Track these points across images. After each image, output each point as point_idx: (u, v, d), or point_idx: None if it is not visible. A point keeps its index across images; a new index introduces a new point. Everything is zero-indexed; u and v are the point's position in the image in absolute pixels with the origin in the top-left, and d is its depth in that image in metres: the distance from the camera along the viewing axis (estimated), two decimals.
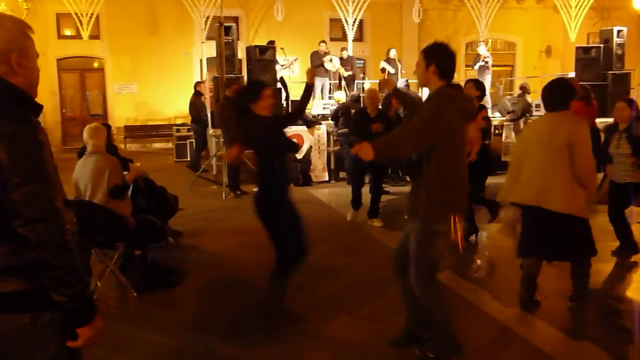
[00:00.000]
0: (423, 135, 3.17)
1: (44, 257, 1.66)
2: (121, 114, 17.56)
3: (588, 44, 16.34)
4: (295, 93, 13.66)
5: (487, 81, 13.16)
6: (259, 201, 4.15)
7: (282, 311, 4.22)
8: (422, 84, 3.44)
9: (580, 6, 14.53)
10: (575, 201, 4.01)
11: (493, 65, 14.30)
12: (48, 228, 1.65)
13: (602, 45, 12.16)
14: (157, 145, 17.51)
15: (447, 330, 3.39)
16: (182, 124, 15.19)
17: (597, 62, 12.27)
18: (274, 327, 4.16)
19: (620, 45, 11.69)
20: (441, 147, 3.18)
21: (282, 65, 12.42)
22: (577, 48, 13.03)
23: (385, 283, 5.01)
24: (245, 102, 4.14)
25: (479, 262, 5.87)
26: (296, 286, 4.97)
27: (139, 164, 5.42)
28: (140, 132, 17.59)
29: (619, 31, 11.71)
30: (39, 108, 1.83)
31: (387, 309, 4.43)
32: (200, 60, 16.30)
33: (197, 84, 12.89)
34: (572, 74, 13.07)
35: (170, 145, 15.42)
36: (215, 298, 4.82)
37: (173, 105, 17.44)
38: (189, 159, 13.06)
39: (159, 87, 17.50)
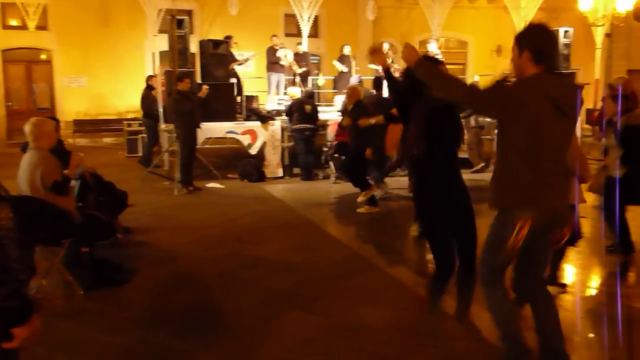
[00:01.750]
0: (478, 95, 3.00)
1: None
2: (70, 107, 17.05)
3: None
4: (249, 88, 13.60)
5: None
6: None
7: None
8: (517, 74, 3.01)
9: (530, 7, 14.87)
10: None
11: (446, 63, 14.51)
12: None
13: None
14: (107, 140, 17.08)
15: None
16: (134, 119, 14.87)
17: None
18: (226, 324, 4.13)
19: (567, 45, 12.02)
20: (512, 135, 2.90)
21: (237, 61, 12.28)
22: None
23: (338, 279, 5.06)
24: None
25: None
26: (249, 282, 4.97)
27: (81, 154, 5.23)
28: (90, 126, 17.12)
29: (565, 31, 12.04)
30: None
31: (339, 304, 4.45)
32: (153, 54, 15.99)
33: (149, 77, 12.65)
34: None
35: (121, 140, 15.05)
36: (166, 296, 4.73)
37: (124, 99, 17.06)
38: (140, 154, 12.80)
39: (110, 80, 17.08)
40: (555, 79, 2.94)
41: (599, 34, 14.86)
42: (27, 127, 4.57)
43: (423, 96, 4.25)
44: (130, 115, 16.20)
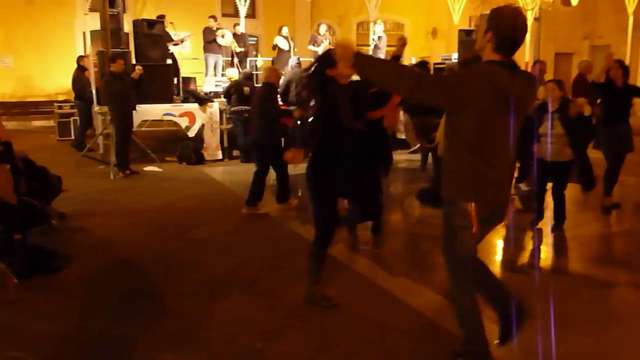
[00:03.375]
0: (424, 90, 2.73)
1: None
2: None
3: (470, 26, 17.24)
4: (186, 70, 13.34)
5: None
6: None
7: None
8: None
9: None
10: None
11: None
12: None
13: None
14: (37, 123, 16.38)
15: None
16: (65, 101, 14.34)
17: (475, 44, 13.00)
18: (167, 307, 4.12)
19: None
20: (458, 125, 2.83)
21: (172, 41, 12.01)
22: (460, 30, 13.73)
23: (279, 259, 5.12)
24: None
25: None
26: (188, 265, 4.96)
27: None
28: (17, 109, 16.36)
29: None
30: None
31: (281, 284, 4.51)
32: (84, 33, 15.41)
33: (80, 58, 12.21)
34: (455, 55, 13.75)
35: (51, 123, 14.48)
36: (103, 281, 4.65)
37: (54, 81, 16.39)
38: (73, 137, 12.38)
39: (37, 60, 16.36)
40: (510, 73, 2.78)
41: (528, 18, 15.40)
42: None
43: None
44: (60, 97, 15.60)
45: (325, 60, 3.79)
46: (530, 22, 15.51)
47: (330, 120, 3.84)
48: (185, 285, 4.52)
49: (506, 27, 2.74)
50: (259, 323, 3.83)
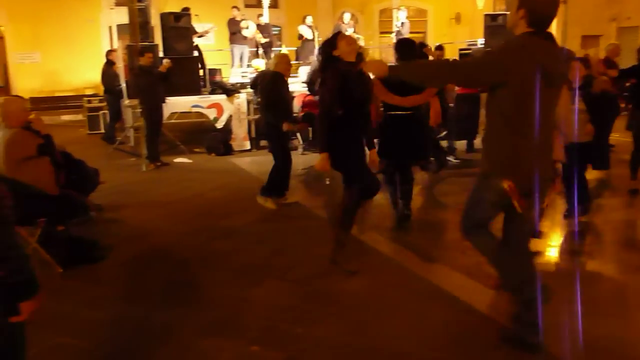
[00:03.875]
0: (460, 76, 3.00)
1: None
2: (24, 84, 16.59)
3: (495, 11, 17.04)
4: (211, 62, 13.47)
5: None
6: None
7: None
8: (509, 27, 2.98)
9: None
10: None
11: None
12: None
13: (508, 12, 12.77)
14: (65, 117, 16.70)
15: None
16: (93, 95, 14.57)
17: (504, 28, 12.87)
18: (205, 295, 4.24)
19: None
20: (499, 99, 2.89)
21: (197, 33, 12.13)
22: (485, 15, 13.61)
23: (310, 247, 5.20)
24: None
25: None
26: (223, 254, 5.07)
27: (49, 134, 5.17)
28: (45, 103, 16.68)
29: None
30: None
31: (314, 272, 4.59)
32: (110, 28, 15.65)
33: (109, 52, 12.37)
34: (481, 41, 13.65)
35: (80, 117, 14.76)
36: (143, 270, 4.79)
37: (81, 75, 16.70)
38: (102, 130, 12.61)
39: (64, 55, 16.67)
40: (545, 45, 2.86)
41: None
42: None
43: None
44: (87, 91, 15.87)
45: (329, 43, 4.17)
46: None
47: (342, 98, 4.12)
48: (221, 274, 4.64)
49: (540, 3, 2.79)
50: (296, 309, 3.92)
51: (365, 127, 4.49)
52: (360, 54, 4.05)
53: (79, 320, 3.82)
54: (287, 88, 6.75)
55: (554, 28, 15.26)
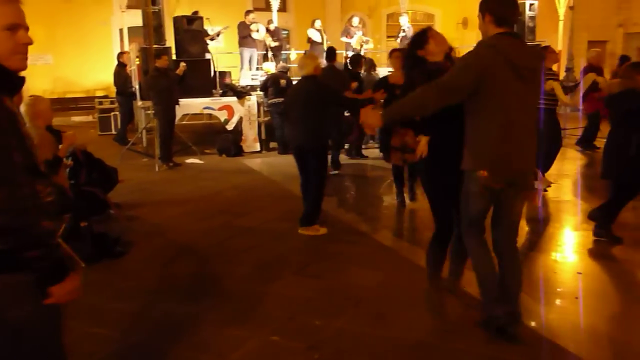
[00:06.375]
0: (446, 91, 3.06)
1: (1, 222, 1.74)
2: (36, 86, 16.73)
3: None
4: (222, 64, 13.62)
5: None
6: None
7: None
8: (484, 36, 3.19)
9: None
10: None
11: None
12: (3, 194, 1.74)
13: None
14: (76, 118, 16.89)
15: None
16: (104, 96, 14.75)
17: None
18: (226, 288, 4.37)
19: (532, 18, 12.44)
20: (476, 100, 3.07)
21: (209, 35, 12.30)
22: None
23: (326, 244, 5.34)
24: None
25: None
26: (241, 250, 5.21)
27: (72, 132, 5.31)
28: (57, 105, 16.86)
29: (530, 5, 12.43)
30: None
31: (331, 268, 4.74)
32: (120, 30, 15.84)
33: (120, 54, 12.58)
34: None
35: (90, 118, 14.95)
36: (165, 265, 4.93)
37: (92, 77, 16.88)
38: (114, 132, 12.77)
39: (76, 57, 16.85)
40: (514, 43, 3.08)
41: (562, 6, 15.32)
42: (22, 108, 4.65)
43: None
44: (98, 93, 16.05)
45: (415, 42, 3.73)
46: (563, 10, 15.42)
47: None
48: (241, 269, 4.78)
49: (499, 4, 3.08)
50: (315, 302, 4.06)
51: None
52: (449, 56, 3.73)
53: (106, 311, 3.97)
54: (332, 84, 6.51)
55: (560, 33, 15.41)
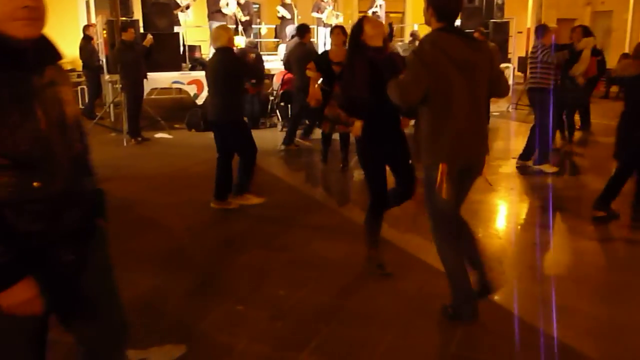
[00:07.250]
0: (406, 93, 3.17)
1: None
2: None
3: None
4: (191, 38, 13.45)
5: None
6: None
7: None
8: (426, 23, 3.27)
9: None
10: None
11: (385, 12, 14.78)
12: None
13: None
14: None
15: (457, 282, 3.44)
16: (71, 70, 14.43)
17: (480, 11, 13.18)
18: (193, 261, 4.44)
19: None
20: (426, 96, 3.14)
21: (179, 7, 12.11)
22: None
23: (293, 218, 5.43)
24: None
25: None
26: (208, 225, 5.27)
27: None
28: None
29: None
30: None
31: (295, 241, 4.84)
32: (87, 2, 15.46)
33: (86, 27, 12.32)
34: (457, 22, 13.85)
35: None
36: (131, 238, 4.93)
37: None
38: (81, 106, 12.56)
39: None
40: (453, 39, 3.15)
41: None
42: None
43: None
44: (65, 67, 15.57)
45: (355, 31, 3.93)
46: None
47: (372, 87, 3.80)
48: (207, 242, 4.84)
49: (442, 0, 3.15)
50: (279, 274, 4.16)
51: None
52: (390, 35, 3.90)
53: None
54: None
55: (529, 11, 15.55)
